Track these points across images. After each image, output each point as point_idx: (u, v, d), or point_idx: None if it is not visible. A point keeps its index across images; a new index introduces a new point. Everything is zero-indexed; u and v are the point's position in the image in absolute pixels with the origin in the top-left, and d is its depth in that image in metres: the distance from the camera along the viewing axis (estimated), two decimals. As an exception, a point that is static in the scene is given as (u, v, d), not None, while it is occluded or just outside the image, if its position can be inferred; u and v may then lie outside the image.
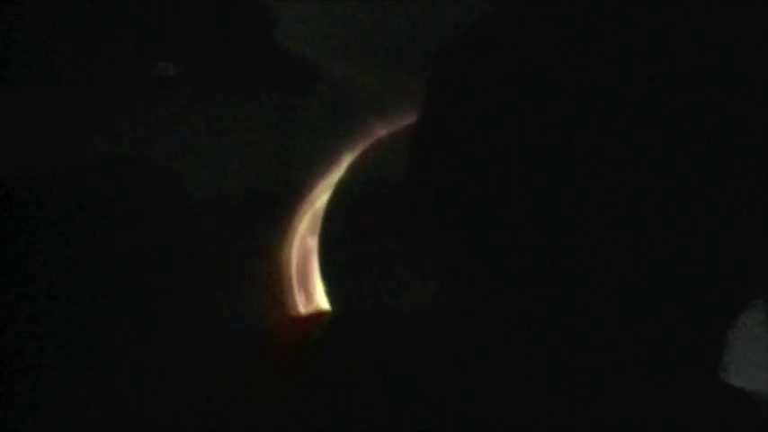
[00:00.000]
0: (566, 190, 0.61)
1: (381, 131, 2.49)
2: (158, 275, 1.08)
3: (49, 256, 1.06)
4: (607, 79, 0.62)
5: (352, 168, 2.55)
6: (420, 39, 2.26)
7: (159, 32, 2.33)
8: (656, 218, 0.60)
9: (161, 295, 1.09)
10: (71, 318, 1.06)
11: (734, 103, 0.62)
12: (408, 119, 2.52)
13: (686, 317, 0.63)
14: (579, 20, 0.64)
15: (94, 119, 2.40)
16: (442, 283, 0.69)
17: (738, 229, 0.63)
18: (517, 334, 0.66)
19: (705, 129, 0.62)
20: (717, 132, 0.62)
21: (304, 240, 2.50)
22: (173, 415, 0.71)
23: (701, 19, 0.65)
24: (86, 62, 2.33)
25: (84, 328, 1.05)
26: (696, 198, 0.61)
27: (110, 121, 2.38)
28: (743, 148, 0.62)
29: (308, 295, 2.49)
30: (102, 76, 2.35)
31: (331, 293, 2.53)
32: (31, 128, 2.40)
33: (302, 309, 2.44)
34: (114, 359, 1.08)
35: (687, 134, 0.60)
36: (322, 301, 2.48)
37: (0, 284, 1.05)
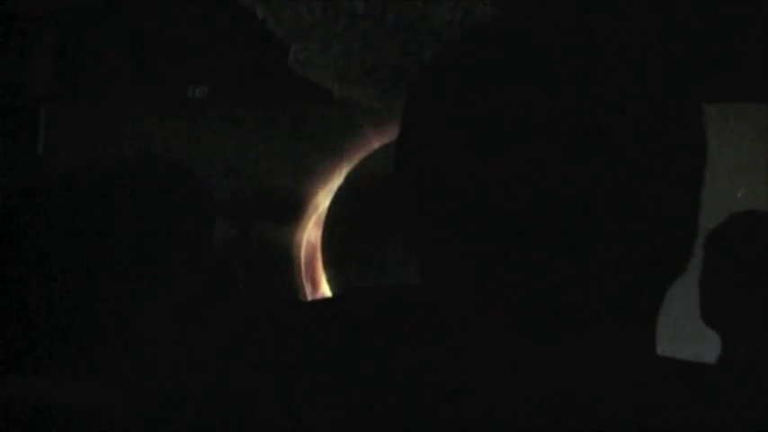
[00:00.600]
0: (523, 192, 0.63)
1: (377, 144, 2.52)
2: (185, 265, 1.05)
3: (82, 243, 1.01)
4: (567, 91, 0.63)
5: (351, 176, 2.59)
6: (409, 66, 2.29)
7: (191, 61, 2.38)
8: (594, 204, 0.62)
9: (185, 282, 1.05)
10: (98, 304, 1.01)
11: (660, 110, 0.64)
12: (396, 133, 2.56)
13: (622, 295, 0.65)
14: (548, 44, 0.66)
15: (135, 132, 2.45)
16: (421, 271, 0.69)
17: (660, 212, 0.64)
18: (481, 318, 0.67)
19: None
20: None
21: (310, 238, 2.54)
22: (191, 384, 0.69)
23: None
24: (133, 84, 2.39)
25: (113, 312, 1.00)
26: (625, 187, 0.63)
27: (147, 135, 2.43)
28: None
29: (315, 284, 2.53)
30: (146, 97, 2.40)
31: (332, 282, 2.57)
32: (83, 134, 2.45)
33: (309, 295, 2.48)
34: (140, 346, 1.02)
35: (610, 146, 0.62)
36: (326, 289, 2.53)
37: (33, 272, 0.99)
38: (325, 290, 2.53)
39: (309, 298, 2.47)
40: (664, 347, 0.69)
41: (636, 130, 0.62)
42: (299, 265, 2.52)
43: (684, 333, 1.95)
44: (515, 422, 0.62)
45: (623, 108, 0.63)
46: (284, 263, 2.50)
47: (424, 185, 0.65)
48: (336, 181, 2.56)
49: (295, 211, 2.52)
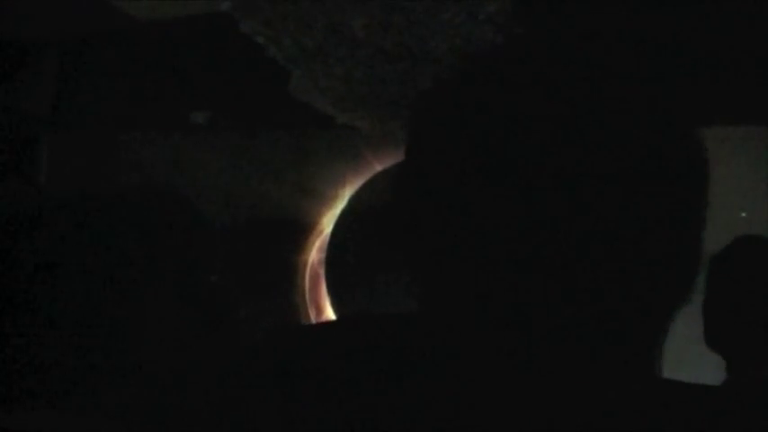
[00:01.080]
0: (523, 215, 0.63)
1: (379, 168, 2.53)
2: (182, 295, 1.04)
3: (78, 268, 1.00)
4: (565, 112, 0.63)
5: (354, 200, 2.59)
6: (409, 92, 2.30)
7: (193, 88, 2.39)
8: (600, 228, 0.62)
9: (188, 309, 1.04)
10: (100, 328, 1.00)
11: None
12: (401, 156, 2.58)
13: (628, 321, 0.65)
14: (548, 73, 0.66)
15: (137, 159, 2.46)
16: (420, 296, 0.70)
17: (665, 239, 0.64)
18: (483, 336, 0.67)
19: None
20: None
21: (314, 262, 2.54)
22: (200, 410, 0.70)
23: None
24: (134, 111, 2.40)
25: (112, 342, 0.99)
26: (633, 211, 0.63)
27: (149, 162, 2.44)
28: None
29: (318, 308, 2.53)
30: (148, 123, 2.41)
31: (336, 306, 2.57)
32: (85, 162, 2.45)
33: (313, 319, 2.48)
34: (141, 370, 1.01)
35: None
36: (330, 313, 2.52)
37: (34, 289, 0.99)
38: (329, 314, 2.53)
39: (313, 322, 2.46)
40: (666, 373, 0.68)
41: (639, 157, 0.62)
42: (303, 289, 2.52)
43: (687, 358, 1.95)
44: None
45: (627, 133, 0.63)
46: (287, 287, 2.50)
47: (423, 211, 0.65)
48: (339, 205, 2.56)
49: (298, 235, 2.52)
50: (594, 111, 0.63)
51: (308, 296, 2.53)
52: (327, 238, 2.55)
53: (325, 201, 2.52)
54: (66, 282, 0.95)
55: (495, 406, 0.63)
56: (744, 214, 2.19)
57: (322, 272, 2.54)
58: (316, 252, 2.54)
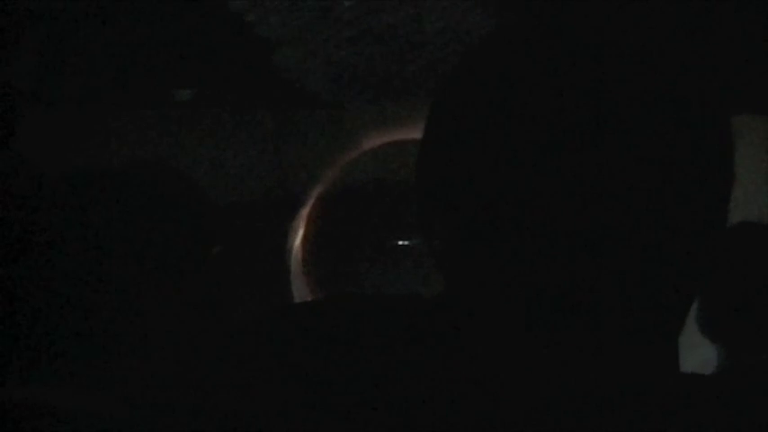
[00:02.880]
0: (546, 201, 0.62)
1: (364, 147, 2.52)
2: (187, 271, 1.04)
3: (78, 244, 0.99)
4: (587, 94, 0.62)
5: (336, 180, 2.58)
6: (396, 73, 2.30)
7: (178, 65, 2.36)
8: (624, 222, 0.61)
9: (188, 288, 1.04)
10: (90, 305, 0.99)
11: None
12: (389, 136, 2.57)
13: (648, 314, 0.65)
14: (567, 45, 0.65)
15: (124, 134, 2.43)
16: (445, 276, 0.68)
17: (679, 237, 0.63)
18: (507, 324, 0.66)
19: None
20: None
21: (299, 243, 2.53)
22: (183, 388, 0.69)
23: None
24: (117, 86, 2.36)
25: (113, 317, 0.98)
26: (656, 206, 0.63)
27: (136, 137, 2.41)
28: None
29: (303, 289, 2.52)
30: (131, 99, 2.38)
31: (317, 287, 2.56)
32: (67, 136, 2.42)
33: (300, 299, 2.47)
34: (129, 345, 1.01)
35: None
36: (312, 294, 2.52)
37: (28, 269, 0.98)
38: (312, 294, 2.52)
39: (298, 301, 2.45)
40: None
41: (665, 144, 0.62)
42: (289, 269, 2.51)
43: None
44: None
45: (652, 120, 0.62)
46: (273, 267, 2.48)
47: (447, 191, 0.64)
48: (324, 184, 2.55)
49: (283, 214, 2.51)
50: (625, 91, 0.62)
51: (293, 276, 2.52)
52: (310, 218, 2.54)
53: (311, 180, 2.51)
54: (68, 256, 0.94)
55: (512, 392, 0.63)
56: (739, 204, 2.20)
57: (306, 251, 2.52)
58: (301, 232, 2.53)
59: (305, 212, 2.52)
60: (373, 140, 2.47)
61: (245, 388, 0.66)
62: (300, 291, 2.48)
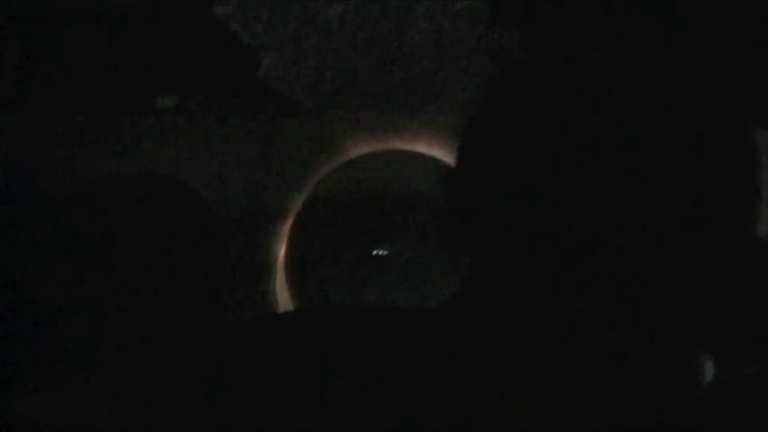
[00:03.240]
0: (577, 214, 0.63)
1: (346, 157, 2.51)
2: (192, 282, 1.03)
3: (89, 258, 0.99)
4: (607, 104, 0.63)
5: (318, 189, 2.57)
6: (379, 83, 2.29)
7: (162, 71, 2.34)
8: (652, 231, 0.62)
9: (194, 298, 1.03)
10: (89, 312, 0.99)
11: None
12: (372, 145, 2.56)
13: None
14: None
15: (102, 141, 2.40)
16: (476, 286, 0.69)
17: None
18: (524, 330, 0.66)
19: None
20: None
21: (283, 251, 2.51)
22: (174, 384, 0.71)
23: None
24: (100, 92, 2.34)
25: (116, 327, 0.98)
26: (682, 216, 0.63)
27: (119, 144, 2.38)
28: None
29: (288, 298, 2.51)
30: (114, 106, 2.35)
31: (297, 296, 2.55)
32: (49, 143, 2.39)
33: (284, 308, 2.46)
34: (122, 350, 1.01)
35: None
36: (292, 304, 2.50)
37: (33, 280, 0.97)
38: (292, 304, 2.50)
39: (282, 311, 2.44)
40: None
41: (697, 163, 0.62)
42: (275, 277, 2.49)
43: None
44: None
45: (679, 139, 0.62)
46: (258, 275, 2.46)
47: (483, 207, 0.64)
48: (307, 193, 2.54)
49: (266, 222, 2.49)
50: (658, 111, 0.63)
51: (277, 284, 2.50)
52: (294, 227, 2.53)
53: (295, 188, 2.50)
54: (73, 266, 0.94)
55: (541, 402, 0.63)
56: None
57: (288, 260, 2.51)
58: (285, 241, 2.51)
59: (288, 221, 2.51)
60: (357, 149, 2.47)
61: (227, 394, 0.66)
62: (284, 300, 2.46)
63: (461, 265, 0.68)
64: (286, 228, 2.49)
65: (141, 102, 2.41)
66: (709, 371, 1.41)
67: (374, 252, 2.43)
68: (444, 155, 2.45)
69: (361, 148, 2.43)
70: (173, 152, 2.44)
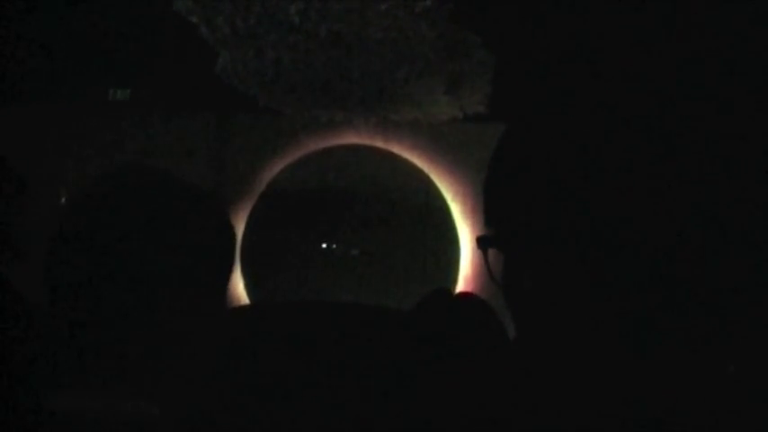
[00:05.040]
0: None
1: (301, 153, 2.51)
2: (213, 287, 1.03)
3: (123, 257, 0.97)
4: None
5: (272, 184, 2.56)
6: (337, 80, 2.29)
7: (116, 63, 2.30)
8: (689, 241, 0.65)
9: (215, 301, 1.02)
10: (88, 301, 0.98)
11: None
12: (323, 142, 2.57)
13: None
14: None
15: (56, 135, 2.36)
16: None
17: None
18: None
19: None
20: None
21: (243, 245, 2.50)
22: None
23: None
24: (53, 85, 2.29)
25: (150, 325, 0.97)
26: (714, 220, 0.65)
27: (73, 135, 2.34)
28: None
29: (240, 293, 2.49)
30: (66, 98, 2.31)
31: (250, 291, 2.54)
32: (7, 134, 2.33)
33: (238, 299, 2.45)
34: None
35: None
36: (246, 298, 2.49)
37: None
38: (246, 298, 2.49)
39: (236, 306, 2.42)
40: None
41: (729, 177, 0.64)
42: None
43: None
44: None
45: (719, 148, 0.65)
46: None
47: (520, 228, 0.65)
48: (260, 189, 2.53)
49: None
50: (696, 125, 0.65)
51: (238, 277, 2.48)
52: (247, 221, 2.52)
53: (249, 183, 2.49)
54: (107, 265, 0.93)
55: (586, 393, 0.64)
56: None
57: (242, 254, 2.50)
58: (239, 235, 2.50)
59: (242, 215, 2.50)
60: (313, 145, 2.47)
61: (184, 388, 0.65)
62: (237, 293, 2.45)
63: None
64: (239, 222, 2.48)
65: (96, 93, 2.37)
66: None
67: (323, 245, 2.44)
68: (401, 150, 2.47)
69: (317, 143, 2.43)
70: (127, 144, 2.41)
